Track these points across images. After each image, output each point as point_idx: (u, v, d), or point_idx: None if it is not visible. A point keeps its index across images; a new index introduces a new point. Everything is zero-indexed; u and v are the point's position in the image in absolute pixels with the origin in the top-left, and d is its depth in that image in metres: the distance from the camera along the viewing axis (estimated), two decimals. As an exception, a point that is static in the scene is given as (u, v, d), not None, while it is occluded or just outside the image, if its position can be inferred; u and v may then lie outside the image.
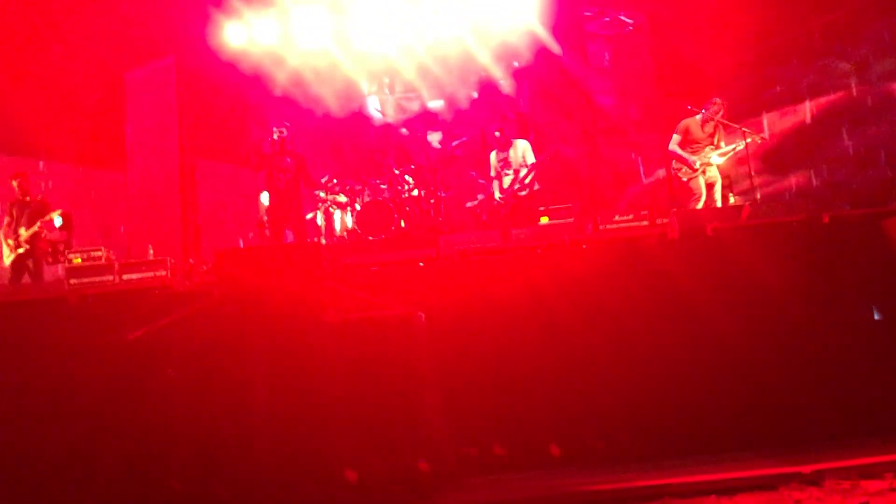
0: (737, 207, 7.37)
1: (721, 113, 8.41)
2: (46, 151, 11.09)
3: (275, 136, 8.45)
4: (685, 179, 8.56)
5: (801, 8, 10.04)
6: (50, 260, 9.88)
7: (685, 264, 6.25)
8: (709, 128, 8.51)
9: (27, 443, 5.89)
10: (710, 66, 10.50)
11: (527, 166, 9.07)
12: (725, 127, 8.59)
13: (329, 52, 11.23)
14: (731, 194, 9.32)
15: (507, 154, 9.20)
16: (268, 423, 5.09)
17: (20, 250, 8.88)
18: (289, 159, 8.46)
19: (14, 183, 9.01)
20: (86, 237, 10.72)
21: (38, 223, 8.81)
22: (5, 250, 8.99)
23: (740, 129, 8.24)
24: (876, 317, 6.11)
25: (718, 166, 8.58)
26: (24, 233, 8.86)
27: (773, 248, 6.21)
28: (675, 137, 8.60)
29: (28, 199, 9.03)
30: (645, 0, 11.16)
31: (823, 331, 5.97)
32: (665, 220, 7.19)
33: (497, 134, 9.26)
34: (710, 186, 8.53)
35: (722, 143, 8.51)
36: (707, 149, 8.50)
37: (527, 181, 9.07)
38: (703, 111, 8.47)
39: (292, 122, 9.09)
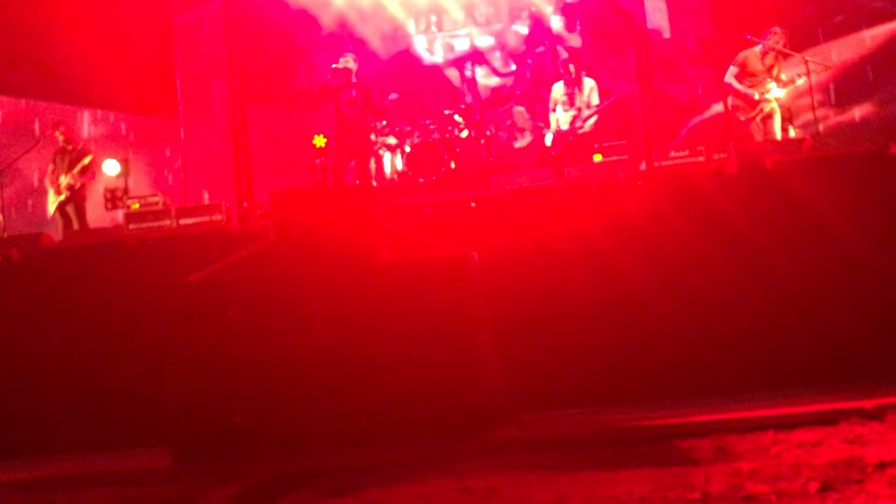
0: (798, 140, 7.14)
1: (781, 43, 8.07)
2: (99, 99, 11.26)
3: (340, 66, 8.34)
4: (742, 118, 8.27)
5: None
6: (109, 206, 10.16)
7: (744, 200, 6.10)
8: (769, 59, 8.19)
9: (94, 381, 6.16)
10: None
11: (590, 107, 8.82)
12: (786, 57, 8.26)
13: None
14: (791, 127, 9.02)
15: (573, 90, 8.94)
16: (323, 362, 5.18)
17: (61, 197, 9.09)
18: (354, 91, 8.36)
19: (57, 133, 9.17)
20: (141, 184, 10.97)
21: (77, 169, 8.97)
22: (50, 197, 9.22)
23: (802, 58, 7.92)
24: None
25: (778, 99, 8.26)
26: (63, 180, 9.05)
27: (836, 181, 6.00)
28: (732, 69, 8.29)
29: (70, 146, 9.19)
30: None
31: (887, 267, 5.79)
32: (722, 155, 7.00)
33: (571, 67, 8.97)
34: (768, 119, 8.23)
35: (782, 76, 8.19)
36: (766, 81, 8.19)
37: (589, 122, 8.84)
38: (762, 42, 8.13)
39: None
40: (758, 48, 8.17)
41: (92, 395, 6.11)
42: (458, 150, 9.87)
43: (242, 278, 5.40)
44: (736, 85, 8.21)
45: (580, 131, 8.86)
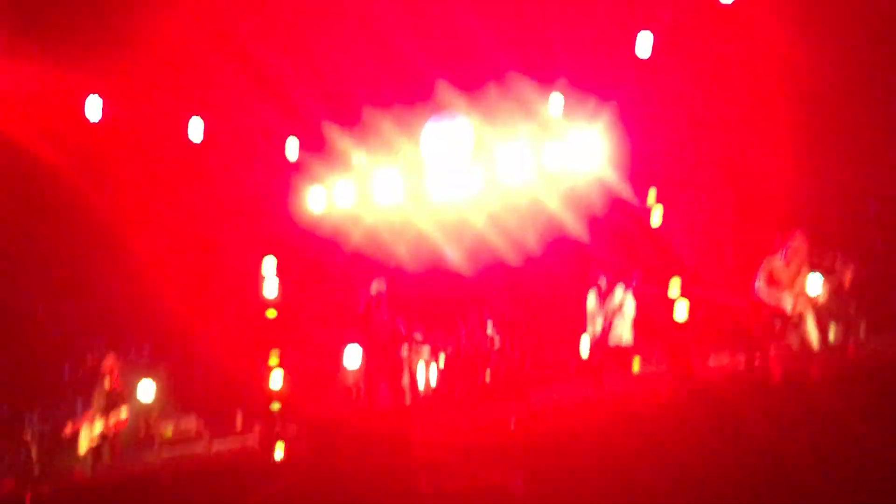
0: (839, 346, 7.01)
1: (804, 249, 8.12)
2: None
3: (372, 292, 8.45)
4: (777, 326, 8.15)
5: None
6: (142, 433, 10.02)
7: (789, 411, 5.86)
8: (793, 266, 8.20)
9: None
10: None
11: (620, 313, 8.83)
12: (815, 259, 8.30)
13: (403, 208, 11.63)
14: (832, 327, 8.88)
15: (606, 300, 9.01)
16: None
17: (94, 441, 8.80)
18: (385, 316, 8.45)
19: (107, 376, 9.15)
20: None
21: (112, 420, 8.77)
22: (83, 435, 8.80)
23: (829, 260, 7.97)
24: None
25: (809, 303, 8.17)
26: (98, 425, 8.76)
27: (879, 391, 5.77)
28: (761, 277, 8.34)
29: (111, 389, 9.03)
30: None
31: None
32: (763, 361, 6.86)
33: (602, 281, 9.11)
34: (801, 324, 8.08)
35: (808, 281, 8.15)
36: (794, 287, 8.16)
37: (625, 333, 8.80)
38: (785, 249, 8.21)
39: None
40: (781, 256, 8.22)
41: None
42: (492, 362, 9.80)
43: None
44: (765, 293, 8.19)
45: (615, 342, 8.78)
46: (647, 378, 6.99)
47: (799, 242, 8.10)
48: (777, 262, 8.19)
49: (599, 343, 8.87)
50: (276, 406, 10.75)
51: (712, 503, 5.53)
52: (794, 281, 8.08)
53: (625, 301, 8.89)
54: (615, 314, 8.80)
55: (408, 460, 5.46)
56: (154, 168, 10.71)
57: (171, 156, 10.79)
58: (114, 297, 10.96)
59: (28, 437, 9.22)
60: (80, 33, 9.59)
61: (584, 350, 9.08)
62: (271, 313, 10.50)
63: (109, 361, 9.10)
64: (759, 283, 8.21)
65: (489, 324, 10.28)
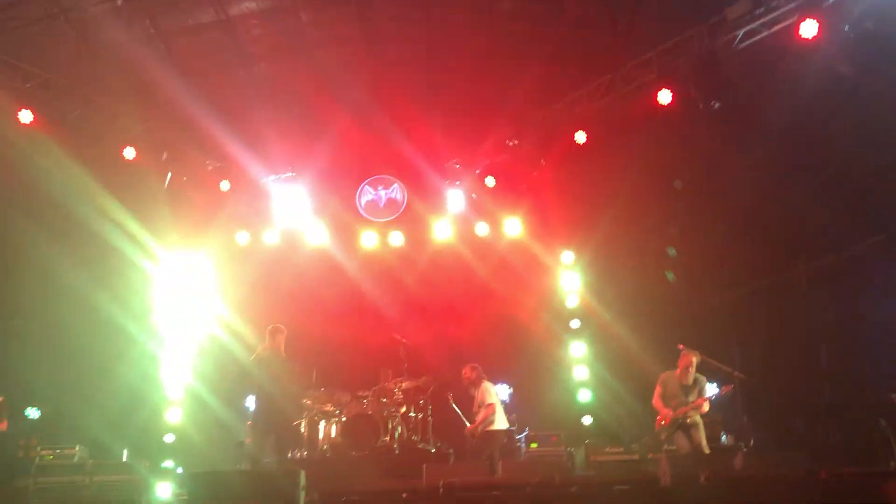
0: (730, 453, 7.25)
1: (696, 363, 8.41)
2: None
3: (267, 341, 8.38)
4: (664, 435, 8.36)
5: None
6: (21, 454, 9.55)
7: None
8: (687, 378, 8.45)
9: None
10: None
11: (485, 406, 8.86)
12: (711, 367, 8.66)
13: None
14: (723, 432, 9.20)
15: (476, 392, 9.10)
16: None
17: None
18: (279, 364, 8.33)
19: None
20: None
21: None
22: None
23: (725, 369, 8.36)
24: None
25: (699, 410, 8.42)
26: None
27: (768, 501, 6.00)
28: (657, 390, 8.60)
29: None
30: None
31: None
32: (657, 456, 6.99)
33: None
34: (692, 430, 8.30)
35: (703, 392, 8.42)
36: (686, 398, 8.42)
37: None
38: (679, 363, 8.50)
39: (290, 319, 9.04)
40: (677, 370, 8.49)
41: None
42: (393, 426, 9.72)
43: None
44: (659, 404, 8.45)
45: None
46: (543, 461, 7.00)
47: (686, 357, 8.42)
48: (669, 377, 8.47)
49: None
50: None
51: None
52: (684, 394, 8.36)
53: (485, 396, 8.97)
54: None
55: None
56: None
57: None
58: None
59: None
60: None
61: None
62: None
63: None
64: (655, 397, 8.47)
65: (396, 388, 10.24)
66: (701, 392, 8.30)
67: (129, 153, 10.29)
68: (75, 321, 10.66)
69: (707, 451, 8.01)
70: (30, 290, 10.74)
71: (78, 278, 10.28)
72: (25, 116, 9.42)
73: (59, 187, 9.86)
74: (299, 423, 9.86)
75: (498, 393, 9.10)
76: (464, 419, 8.97)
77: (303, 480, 5.61)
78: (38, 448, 9.42)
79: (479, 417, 8.86)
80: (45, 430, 10.05)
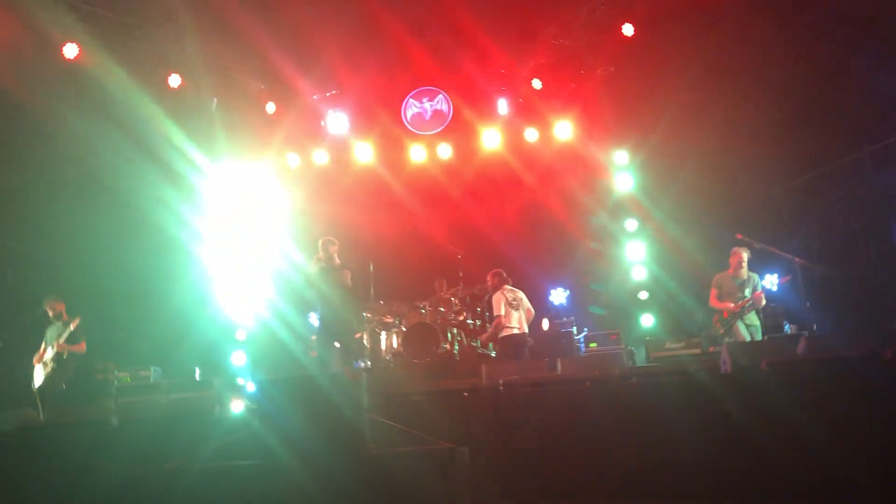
0: (792, 338, 7.16)
1: (747, 259, 8.40)
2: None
3: (321, 254, 8.41)
4: (722, 330, 8.43)
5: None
6: (100, 377, 10.04)
7: (738, 398, 5.99)
8: (741, 275, 8.48)
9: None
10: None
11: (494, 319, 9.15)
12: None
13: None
14: (786, 322, 9.09)
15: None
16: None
17: (49, 371, 9.19)
18: (338, 276, 8.35)
19: (46, 307, 9.33)
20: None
21: (63, 337, 9.19)
22: (37, 373, 9.28)
23: (786, 256, 8.25)
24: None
25: (754, 305, 8.46)
26: (50, 352, 9.20)
27: (830, 383, 5.93)
28: (713, 292, 8.67)
29: (58, 319, 9.34)
30: None
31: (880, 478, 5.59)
32: (718, 349, 6.97)
33: None
34: (751, 329, 8.41)
35: (754, 287, 8.48)
36: (741, 295, 8.46)
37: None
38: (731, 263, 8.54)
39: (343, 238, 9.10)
40: (729, 270, 8.50)
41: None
42: (454, 332, 9.88)
43: (220, 469, 5.23)
44: (717, 304, 8.50)
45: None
46: (602, 358, 7.04)
47: (738, 256, 8.38)
48: (723, 277, 8.49)
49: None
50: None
51: (659, 469, 5.69)
52: (740, 291, 8.38)
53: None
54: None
55: (358, 424, 5.51)
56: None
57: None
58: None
59: None
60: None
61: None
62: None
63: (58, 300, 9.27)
64: (712, 299, 8.53)
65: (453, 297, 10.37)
66: (755, 287, 8.33)
67: (175, 80, 10.36)
68: (136, 244, 10.92)
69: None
70: (100, 215, 10.91)
71: (141, 200, 10.48)
72: (70, 51, 9.51)
73: (107, 119, 9.95)
74: (361, 335, 10.08)
75: (515, 299, 9.15)
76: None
77: (366, 382, 5.76)
78: (115, 371, 9.91)
79: (490, 331, 9.30)
80: (120, 353, 10.46)
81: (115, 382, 9.62)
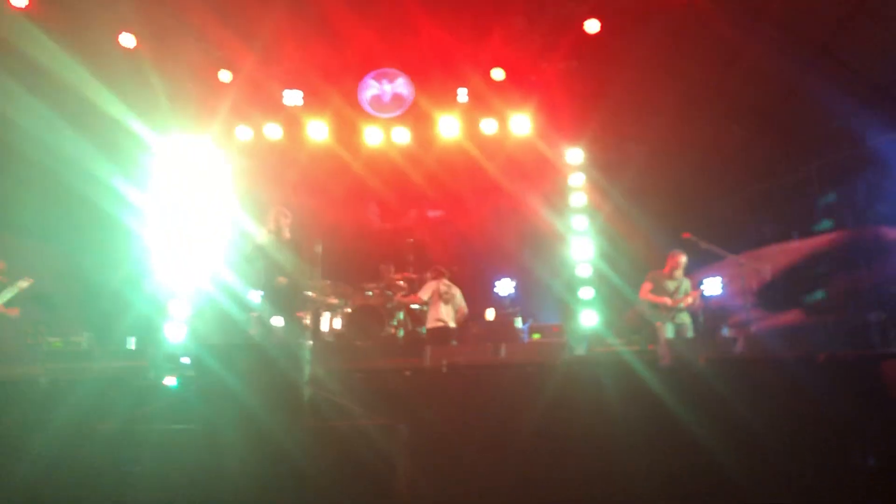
0: (730, 339, 7.31)
1: (684, 264, 8.87)
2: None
3: (272, 224, 8.16)
4: (658, 323, 8.76)
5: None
6: (30, 340, 9.71)
7: (675, 389, 6.10)
8: (676, 276, 8.90)
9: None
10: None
11: None
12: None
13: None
14: (725, 327, 9.28)
15: None
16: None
17: None
18: (287, 250, 8.14)
19: None
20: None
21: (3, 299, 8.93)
22: None
23: (730, 256, 8.45)
24: (871, 462, 5.90)
25: (689, 305, 8.83)
26: None
27: (764, 383, 6.07)
28: (645, 286, 9.08)
29: None
30: None
31: (810, 474, 5.76)
32: (655, 347, 7.08)
33: None
34: (681, 326, 8.75)
35: (687, 290, 8.92)
36: (675, 294, 8.90)
37: None
38: (668, 263, 8.97)
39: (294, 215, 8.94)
40: (665, 269, 9.05)
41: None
42: (400, 316, 9.83)
43: (153, 431, 5.09)
44: (651, 297, 8.81)
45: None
46: (546, 346, 7.08)
47: (676, 259, 8.71)
48: (658, 275, 8.82)
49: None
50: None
51: (595, 455, 5.76)
52: (674, 291, 8.71)
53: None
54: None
55: (296, 396, 5.44)
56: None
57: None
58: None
59: None
60: None
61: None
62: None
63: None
64: (644, 292, 8.82)
65: (402, 279, 10.34)
66: (686, 291, 8.73)
67: (128, 40, 10.05)
68: (76, 215, 10.61)
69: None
70: (32, 183, 10.60)
71: (76, 171, 10.15)
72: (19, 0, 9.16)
73: (55, 77, 9.59)
74: (304, 315, 9.94)
75: (448, 293, 9.51)
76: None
77: (308, 354, 5.68)
78: (46, 335, 9.58)
79: (403, 299, 10.03)
80: (51, 320, 10.14)
81: (45, 346, 9.28)
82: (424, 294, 9.36)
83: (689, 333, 8.81)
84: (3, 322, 8.95)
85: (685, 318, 8.91)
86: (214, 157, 11.61)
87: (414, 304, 9.57)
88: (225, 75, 11.23)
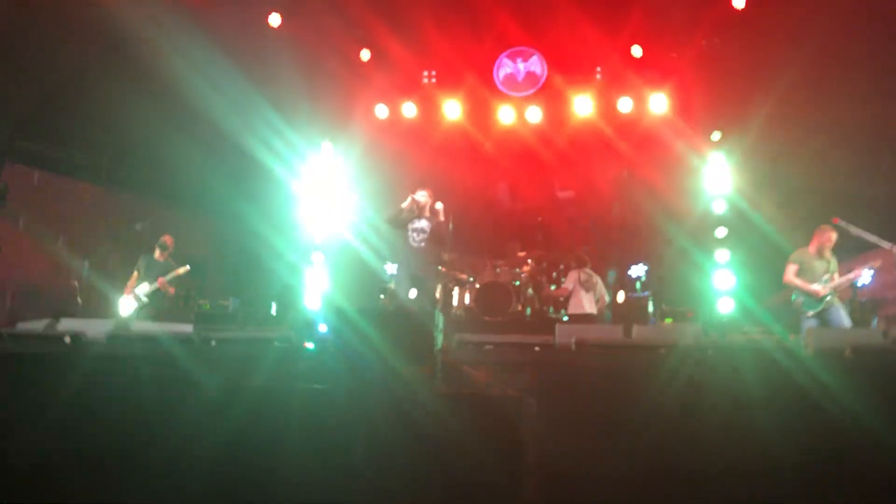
0: (880, 331, 6.88)
1: (834, 239, 7.98)
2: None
3: (414, 199, 8.25)
4: (810, 313, 8.03)
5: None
6: (181, 303, 10.41)
7: (816, 382, 5.80)
8: (826, 255, 8.07)
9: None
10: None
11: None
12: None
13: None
14: (875, 318, 8.74)
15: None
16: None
17: (139, 306, 9.42)
18: (424, 221, 8.27)
19: (162, 243, 9.61)
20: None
21: (170, 276, 9.48)
22: (122, 305, 9.50)
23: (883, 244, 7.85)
24: None
25: (838, 289, 8.06)
26: (146, 288, 9.42)
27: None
28: (791, 268, 8.19)
29: (163, 259, 9.63)
30: None
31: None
32: (798, 337, 6.76)
33: None
34: (834, 310, 7.99)
35: (835, 271, 8.07)
36: (824, 276, 8.03)
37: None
38: (816, 238, 8.12)
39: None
40: (811, 247, 8.10)
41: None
42: (529, 292, 9.86)
43: (294, 389, 5.36)
44: (797, 282, 8.06)
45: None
46: (678, 330, 6.90)
47: (827, 234, 8.00)
48: (805, 254, 8.09)
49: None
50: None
51: (725, 444, 5.58)
52: (824, 271, 8.00)
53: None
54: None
55: (430, 364, 5.56)
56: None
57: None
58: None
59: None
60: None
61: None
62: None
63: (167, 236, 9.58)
64: (790, 274, 8.12)
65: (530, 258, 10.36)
66: (836, 271, 8.02)
67: (275, 20, 10.49)
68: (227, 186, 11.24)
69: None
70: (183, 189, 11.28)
71: (225, 184, 10.81)
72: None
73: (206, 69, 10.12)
74: (434, 287, 10.13)
75: (588, 282, 9.63)
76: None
77: (441, 323, 5.80)
78: (197, 298, 10.27)
79: (555, 292, 10.14)
80: (202, 284, 10.80)
81: (195, 308, 9.96)
82: (569, 284, 9.64)
83: (842, 321, 8.06)
84: (164, 299, 9.55)
85: (835, 302, 8.15)
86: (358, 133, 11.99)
87: (561, 296, 9.75)
88: (365, 54, 11.52)
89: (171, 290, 9.44)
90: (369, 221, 10.65)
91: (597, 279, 9.72)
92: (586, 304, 9.47)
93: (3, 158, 9.76)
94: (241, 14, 10.29)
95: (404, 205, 8.19)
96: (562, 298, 9.90)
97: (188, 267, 9.43)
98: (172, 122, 10.42)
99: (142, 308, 9.29)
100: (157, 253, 9.51)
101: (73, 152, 10.96)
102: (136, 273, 9.47)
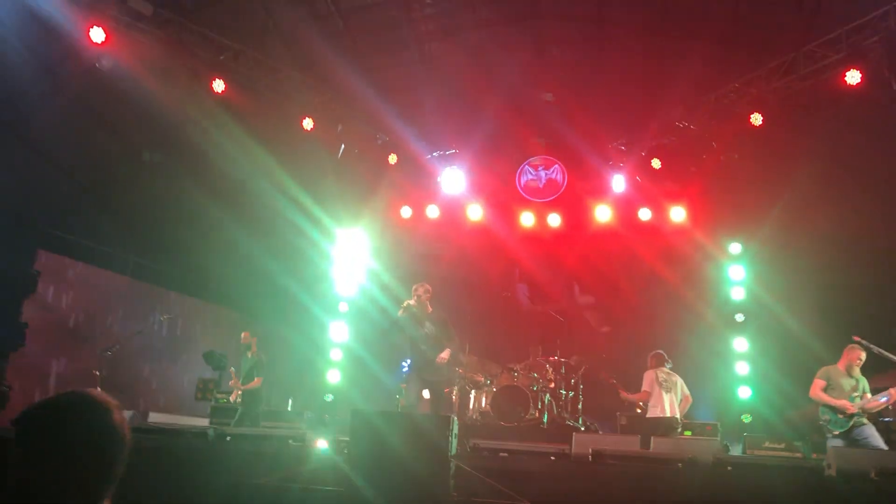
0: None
1: (863, 356, 7.83)
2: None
3: (412, 300, 8.07)
4: (836, 432, 7.79)
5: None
6: (199, 396, 10.45)
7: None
8: (854, 372, 7.89)
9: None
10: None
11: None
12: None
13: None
14: (896, 437, 8.53)
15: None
16: None
17: (236, 401, 9.87)
18: (430, 322, 8.11)
19: (245, 340, 10.00)
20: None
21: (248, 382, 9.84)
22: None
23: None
24: None
25: (866, 409, 7.82)
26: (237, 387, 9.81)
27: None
28: (818, 383, 8.01)
29: (250, 354, 9.95)
30: None
31: None
32: (821, 457, 6.61)
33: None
34: (864, 427, 7.73)
35: (866, 388, 7.86)
36: (853, 392, 7.84)
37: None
38: (845, 356, 7.95)
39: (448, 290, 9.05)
40: (840, 364, 7.96)
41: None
42: (547, 399, 9.77)
43: (306, 490, 5.32)
44: (826, 397, 7.86)
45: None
46: (696, 444, 6.78)
47: (856, 351, 7.86)
48: (832, 370, 7.93)
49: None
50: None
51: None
52: (852, 389, 7.82)
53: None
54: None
55: (443, 468, 5.51)
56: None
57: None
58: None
59: None
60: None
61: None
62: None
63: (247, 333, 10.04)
64: (817, 389, 7.94)
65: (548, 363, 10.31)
66: (866, 389, 7.77)
67: (308, 124, 10.92)
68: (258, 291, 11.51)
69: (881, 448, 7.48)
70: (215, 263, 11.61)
71: (257, 252, 11.14)
72: (218, 85, 10.15)
73: (242, 163, 10.56)
74: (451, 391, 10.09)
75: (667, 381, 8.98)
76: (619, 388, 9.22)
77: (455, 428, 5.77)
78: (215, 391, 10.30)
79: (632, 396, 9.11)
80: (221, 378, 10.88)
81: (212, 402, 9.98)
82: (647, 385, 8.97)
83: (875, 440, 7.63)
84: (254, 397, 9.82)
85: (863, 421, 7.73)
86: (374, 242, 12.34)
87: (641, 400, 9.10)
88: (392, 158, 11.91)
89: (254, 383, 9.81)
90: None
91: (677, 378, 9.03)
92: (667, 406, 8.78)
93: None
94: (274, 118, 10.73)
95: (400, 313, 8.17)
96: (641, 403, 9.43)
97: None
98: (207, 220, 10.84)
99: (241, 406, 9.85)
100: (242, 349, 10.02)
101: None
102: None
